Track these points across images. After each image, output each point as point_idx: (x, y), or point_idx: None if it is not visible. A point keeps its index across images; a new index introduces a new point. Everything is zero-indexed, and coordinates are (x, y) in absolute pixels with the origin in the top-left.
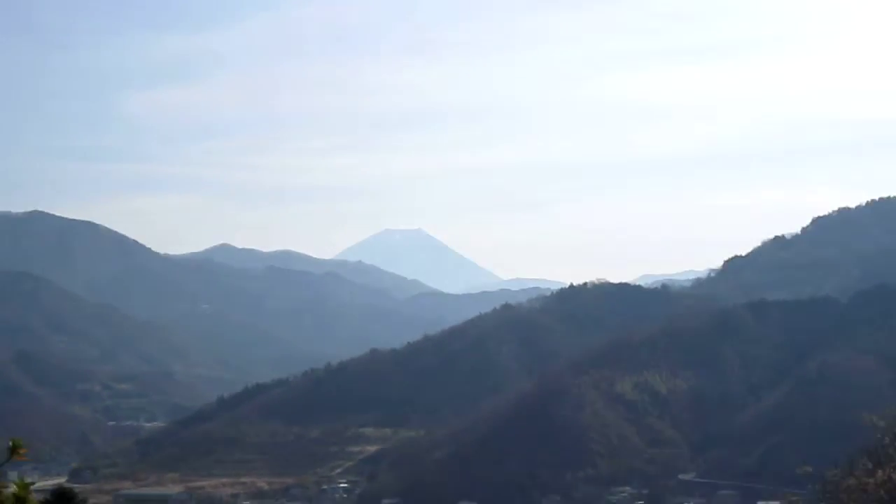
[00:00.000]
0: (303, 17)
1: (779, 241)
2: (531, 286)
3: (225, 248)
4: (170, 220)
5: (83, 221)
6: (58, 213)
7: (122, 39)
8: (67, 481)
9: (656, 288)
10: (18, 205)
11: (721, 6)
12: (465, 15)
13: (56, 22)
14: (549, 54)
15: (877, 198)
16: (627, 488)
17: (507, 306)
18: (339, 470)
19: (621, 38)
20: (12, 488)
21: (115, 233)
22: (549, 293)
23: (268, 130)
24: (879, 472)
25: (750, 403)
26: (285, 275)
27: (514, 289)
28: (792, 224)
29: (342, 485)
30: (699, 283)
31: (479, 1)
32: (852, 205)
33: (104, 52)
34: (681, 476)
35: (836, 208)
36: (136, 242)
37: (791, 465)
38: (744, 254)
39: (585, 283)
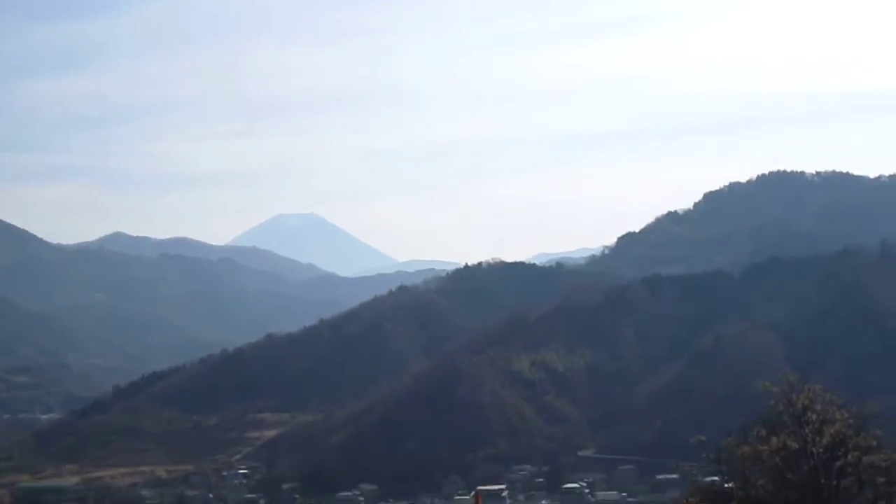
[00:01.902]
0: (187, 2)
1: (671, 216)
2: (426, 267)
3: (118, 237)
4: (61, 210)
5: None
6: None
7: (6, 29)
8: None
9: (551, 266)
10: None
11: None
12: None
13: None
14: (437, 37)
15: (766, 172)
16: (527, 466)
17: (402, 288)
18: (238, 456)
19: (509, 19)
20: None
21: (6, 223)
22: (444, 274)
23: (159, 118)
24: (774, 439)
25: (647, 378)
26: (179, 261)
27: (409, 270)
28: (684, 200)
29: (242, 471)
30: (594, 260)
31: None
32: (743, 179)
33: None
34: (580, 452)
35: (726, 183)
36: (27, 232)
37: (690, 438)
38: (637, 230)
39: (480, 263)
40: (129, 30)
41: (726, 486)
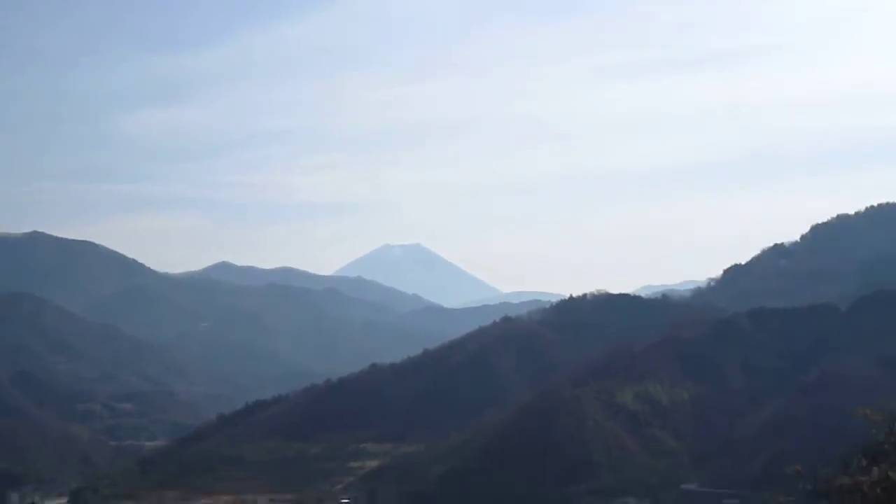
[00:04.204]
0: (293, 36)
1: (778, 249)
2: (531, 299)
3: (224, 266)
4: (169, 239)
5: (83, 241)
6: (57, 234)
7: (116, 60)
8: (68, 501)
9: (656, 298)
10: (18, 226)
11: (714, 16)
12: (457, 32)
13: (52, 45)
14: (543, 68)
15: (875, 204)
16: (630, 499)
17: (506, 319)
18: (339, 486)
19: (614, 50)
20: None
21: (115, 252)
22: (548, 305)
23: (265, 148)
24: (875, 470)
25: (752, 411)
26: (285, 291)
27: (514, 301)
28: (791, 232)
29: (343, 501)
30: (699, 293)
31: (470, 18)
32: (851, 212)
33: (99, 73)
34: (683, 486)
35: (834, 215)
36: (135, 262)
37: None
38: (743, 262)
39: (585, 295)
40: (235, 61)
41: None
